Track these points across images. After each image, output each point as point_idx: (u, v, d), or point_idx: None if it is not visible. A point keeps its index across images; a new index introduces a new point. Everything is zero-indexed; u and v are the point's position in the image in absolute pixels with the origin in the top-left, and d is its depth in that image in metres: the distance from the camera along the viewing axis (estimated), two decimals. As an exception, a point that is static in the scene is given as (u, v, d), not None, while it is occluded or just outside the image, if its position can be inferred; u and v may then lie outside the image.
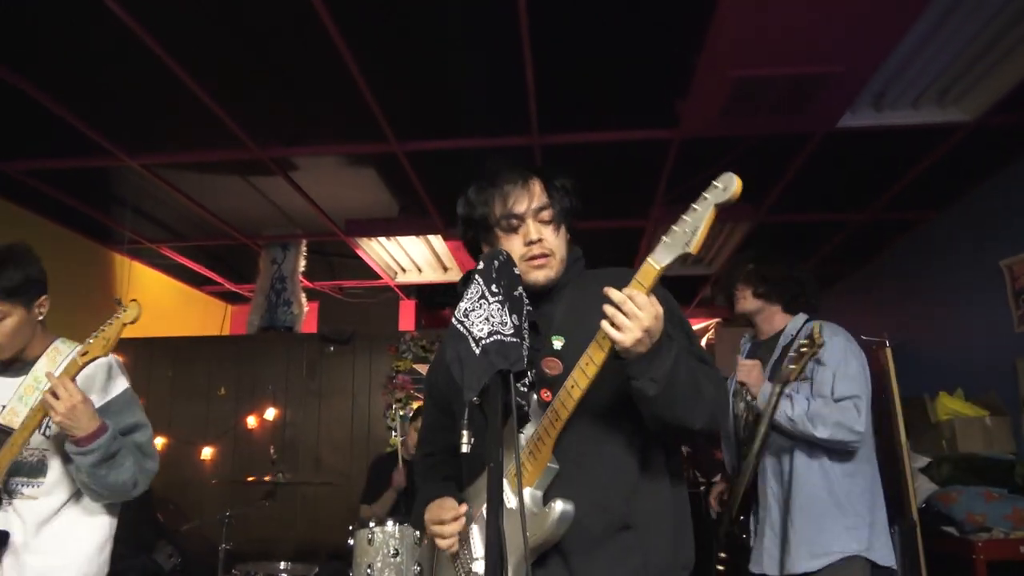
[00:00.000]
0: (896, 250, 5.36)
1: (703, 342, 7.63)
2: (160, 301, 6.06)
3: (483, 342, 1.28)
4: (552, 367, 1.50)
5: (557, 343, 1.53)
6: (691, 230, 1.29)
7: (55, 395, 1.79)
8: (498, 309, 1.33)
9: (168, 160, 4.09)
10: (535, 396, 1.47)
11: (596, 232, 5.02)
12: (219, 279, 6.42)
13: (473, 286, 1.37)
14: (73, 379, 1.83)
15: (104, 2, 2.64)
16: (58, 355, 2.04)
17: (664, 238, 1.32)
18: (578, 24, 2.86)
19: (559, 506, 1.36)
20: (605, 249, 5.52)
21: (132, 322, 1.87)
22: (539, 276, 1.54)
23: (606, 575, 1.42)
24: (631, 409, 1.44)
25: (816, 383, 2.48)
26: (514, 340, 1.30)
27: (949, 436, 3.99)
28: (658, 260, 1.31)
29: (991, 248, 4.08)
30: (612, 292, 1.30)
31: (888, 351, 3.96)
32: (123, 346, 2.02)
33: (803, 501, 2.34)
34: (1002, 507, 3.50)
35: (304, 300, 5.66)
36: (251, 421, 5.12)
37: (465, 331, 1.32)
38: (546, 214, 1.56)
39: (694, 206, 1.30)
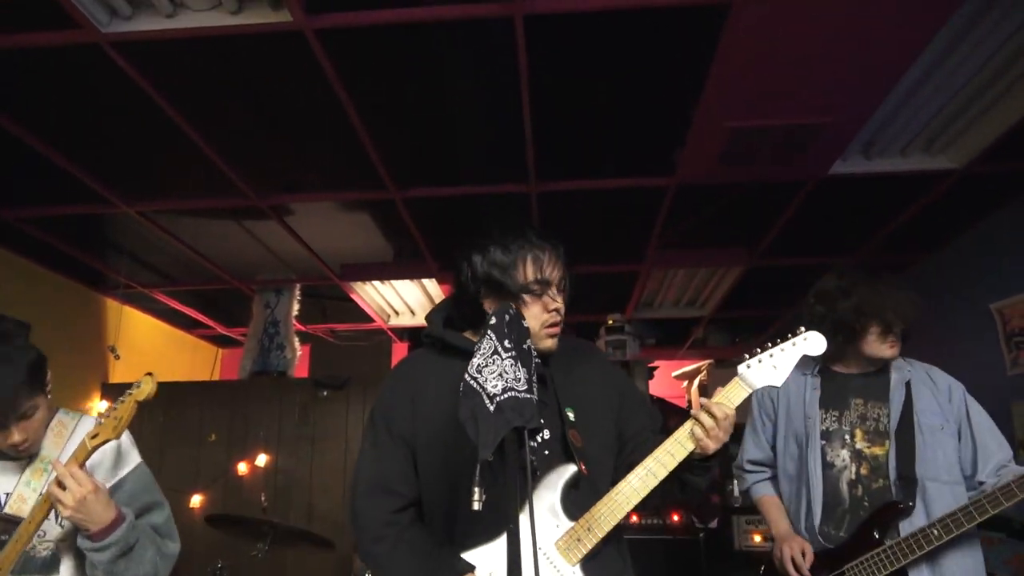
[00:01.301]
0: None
1: (695, 383, 7.64)
2: (151, 345, 6.01)
3: (497, 399, 1.28)
4: (576, 439, 1.56)
5: (571, 414, 1.59)
6: (780, 368, 1.51)
7: (62, 486, 1.62)
8: (511, 365, 1.33)
9: (164, 207, 4.10)
10: (573, 467, 1.53)
11: (591, 276, 5.05)
12: (210, 322, 6.38)
13: (486, 342, 1.37)
14: (82, 465, 1.66)
15: (104, 51, 2.66)
16: (64, 429, 1.86)
17: (749, 364, 1.52)
18: (576, 74, 2.92)
19: None
20: (600, 292, 5.54)
21: (147, 400, 1.69)
22: (551, 344, 1.61)
23: None
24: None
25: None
26: (528, 396, 1.30)
27: (947, 480, 3.98)
28: (751, 383, 1.52)
29: (981, 292, 4.13)
30: (718, 408, 1.48)
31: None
32: (111, 391, 1.91)
33: (964, 570, 2.01)
34: (1002, 552, 3.50)
35: (297, 344, 5.63)
36: (242, 468, 5.04)
37: (479, 387, 1.31)
38: (563, 286, 1.64)
39: (782, 348, 1.53)
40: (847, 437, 2.17)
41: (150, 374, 1.71)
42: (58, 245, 4.51)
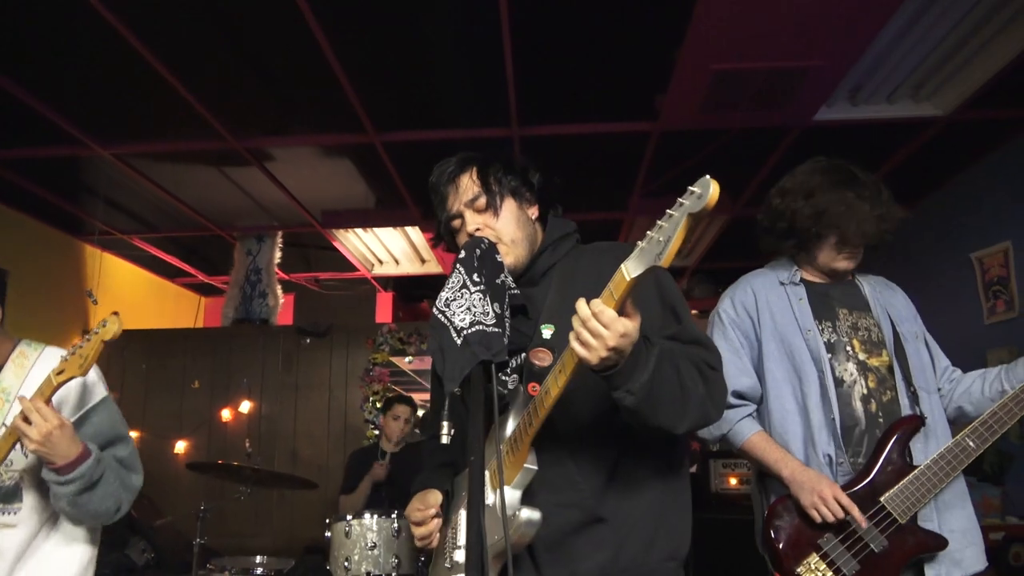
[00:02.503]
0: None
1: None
2: (132, 293, 5.97)
3: (465, 332, 1.27)
4: (542, 358, 1.44)
5: (547, 332, 1.48)
6: (664, 239, 1.14)
7: (28, 420, 1.61)
8: (480, 299, 1.31)
9: (141, 150, 4.02)
10: (522, 389, 1.44)
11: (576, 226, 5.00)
12: (192, 271, 6.33)
13: (455, 275, 1.36)
14: (48, 401, 1.66)
15: (75, -13, 2.58)
16: (25, 360, 1.86)
17: (640, 243, 1.19)
18: (558, 16, 2.85)
19: (524, 513, 1.34)
20: (584, 241, 5.52)
21: (112, 339, 1.67)
22: (510, 262, 1.51)
23: (572, 570, 1.41)
24: (605, 407, 1.40)
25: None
26: (496, 330, 1.28)
27: (921, 426, 4.05)
28: (630, 270, 1.18)
29: (962, 241, 4.15)
30: (580, 306, 1.22)
31: (862, 343, 4.01)
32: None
33: (959, 488, 1.89)
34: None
35: (280, 292, 5.60)
36: (226, 414, 5.06)
37: (446, 321, 1.30)
38: (480, 203, 1.54)
39: (669, 212, 1.15)
40: (848, 349, 1.93)
41: (116, 313, 1.69)
42: (33, 189, 4.42)
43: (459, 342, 1.27)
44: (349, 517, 3.20)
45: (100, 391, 1.88)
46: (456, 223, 1.56)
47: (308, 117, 3.72)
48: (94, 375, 1.85)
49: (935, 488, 1.76)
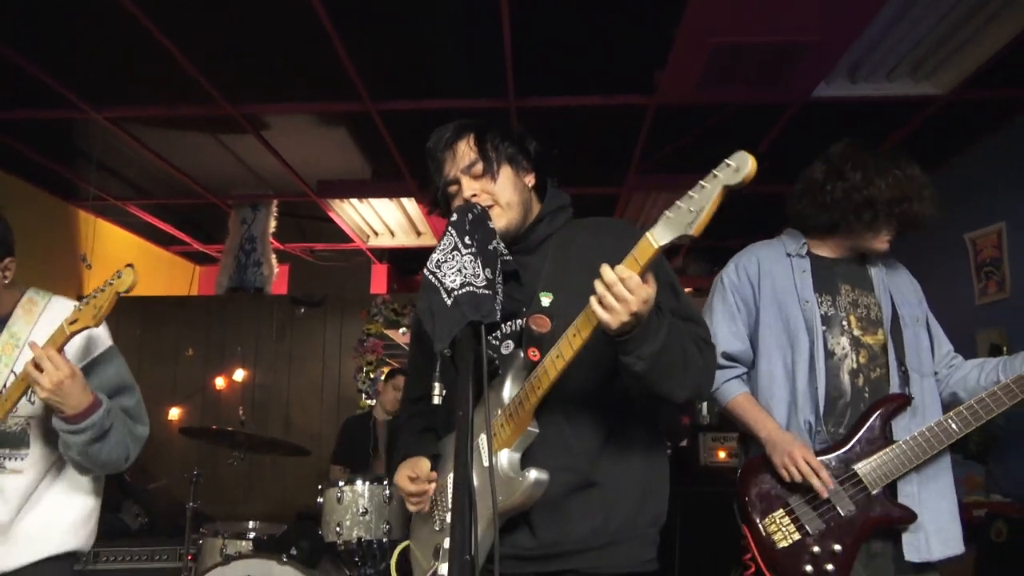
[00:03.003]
0: (865, 223, 5.43)
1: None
2: (126, 260, 5.89)
3: (455, 293, 1.28)
4: (540, 324, 1.48)
5: (545, 300, 1.51)
6: (696, 209, 1.18)
7: (40, 368, 1.61)
8: (471, 261, 1.32)
9: (135, 114, 3.99)
10: (521, 354, 1.46)
11: (571, 199, 4.99)
12: (187, 239, 6.31)
13: (446, 238, 1.36)
14: (60, 350, 1.66)
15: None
16: (34, 307, 1.87)
17: (667, 213, 1.22)
18: (557, -16, 2.83)
19: (533, 474, 1.37)
20: (579, 216, 5.51)
21: (127, 291, 1.65)
22: (500, 225, 1.50)
23: (566, 532, 1.45)
24: (604, 374, 1.46)
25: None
26: (486, 292, 1.29)
27: (908, 405, 4.09)
28: (657, 238, 1.22)
29: (957, 221, 4.15)
30: (605, 271, 1.25)
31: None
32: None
33: (942, 471, 1.94)
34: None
35: (274, 261, 5.59)
36: (219, 382, 5.08)
37: (437, 282, 1.31)
38: (477, 168, 1.54)
39: (702, 183, 1.19)
40: (844, 324, 1.97)
41: (130, 265, 1.67)
42: (25, 152, 4.39)
43: (449, 303, 1.28)
44: (341, 483, 3.23)
45: (106, 341, 1.89)
46: (453, 189, 1.56)
47: (304, 84, 3.69)
48: (101, 326, 1.86)
49: (910, 464, 1.81)
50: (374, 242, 6.36)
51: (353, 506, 3.16)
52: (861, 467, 1.83)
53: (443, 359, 1.31)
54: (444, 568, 1.45)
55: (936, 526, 1.85)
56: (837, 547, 1.81)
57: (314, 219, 5.85)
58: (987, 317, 3.86)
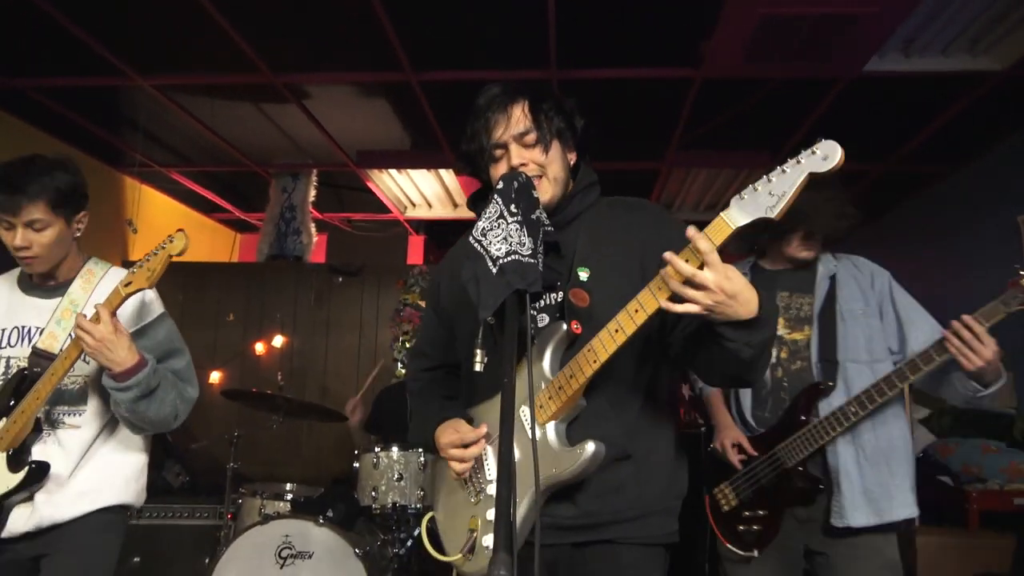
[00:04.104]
0: (914, 204, 5.30)
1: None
2: (170, 226, 5.94)
3: (500, 261, 1.28)
4: (580, 299, 1.50)
5: (583, 275, 1.52)
6: (778, 194, 1.19)
7: (86, 326, 1.72)
8: (516, 229, 1.32)
9: (180, 82, 4.04)
10: (564, 326, 1.47)
11: (609, 173, 4.94)
12: (228, 206, 6.40)
13: (492, 206, 1.36)
14: (115, 311, 1.76)
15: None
16: (92, 277, 1.98)
17: (743, 195, 1.23)
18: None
19: (591, 446, 1.39)
20: (619, 191, 5.46)
21: (179, 254, 1.75)
22: (545, 200, 1.51)
23: (606, 503, 1.48)
24: (642, 350, 1.49)
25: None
26: (531, 261, 1.29)
27: (952, 389, 4.01)
28: (734, 219, 1.23)
29: (1010, 203, 4.03)
30: (679, 266, 1.24)
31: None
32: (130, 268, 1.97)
33: (887, 448, 2.12)
34: (999, 460, 3.55)
35: (313, 230, 5.65)
36: (259, 348, 5.17)
37: (483, 250, 1.31)
38: (530, 138, 1.53)
39: (784, 168, 1.20)
40: None
41: (181, 230, 1.76)
42: (74, 118, 4.47)
43: (494, 271, 1.28)
44: (377, 449, 3.28)
45: (157, 308, 2.01)
46: (499, 153, 1.55)
47: (346, 54, 3.69)
48: (152, 294, 1.98)
49: (819, 442, 2.09)
50: (411, 213, 6.39)
51: (389, 471, 3.22)
52: (779, 446, 2.15)
53: (486, 326, 1.32)
54: (488, 539, 1.47)
55: (866, 498, 2.07)
56: (762, 512, 2.18)
57: (353, 189, 5.88)
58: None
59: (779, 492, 2.16)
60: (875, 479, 2.08)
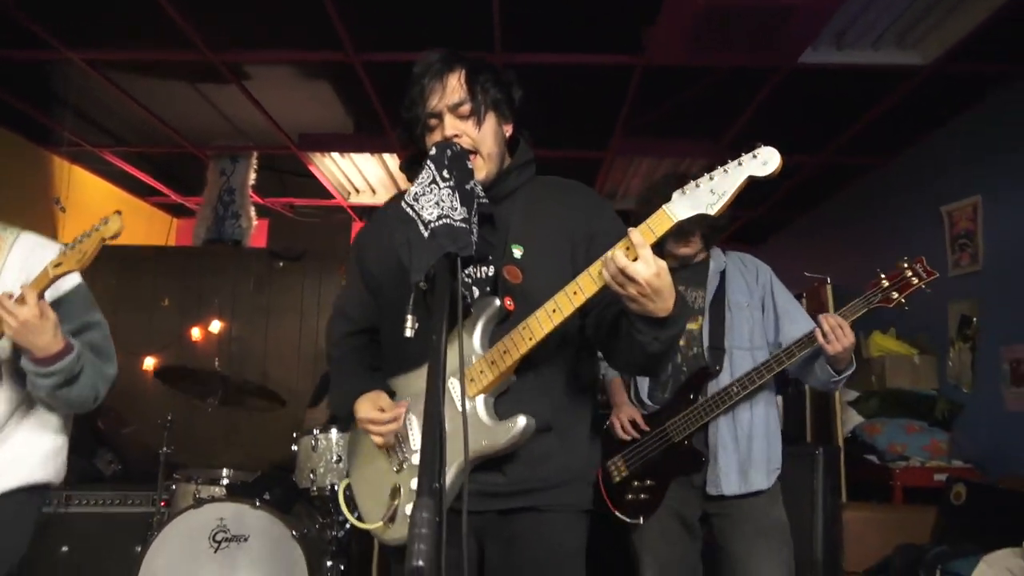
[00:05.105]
0: (844, 195, 5.48)
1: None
2: (102, 209, 5.79)
3: (432, 225, 1.28)
4: (513, 276, 1.51)
5: (517, 252, 1.54)
6: (719, 192, 1.26)
7: (7, 309, 1.61)
8: (448, 195, 1.32)
9: (112, 57, 3.90)
10: (497, 302, 1.49)
11: (552, 161, 4.98)
12: (165, 189, 6.22)
13: (424, 171, 1.36)
14: (42, 293, 1.66)
15: None
16: (3, 243, 1.85)
17: (684, 190, 1.30)
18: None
19: (522, 420, 1.42)
20: (562, 175, 5.50)
21: (113, 237, 1.66)
22: (479, 176, 1.51)
23: (533, 471, 1.51)
24: (570, 329, 1.53)
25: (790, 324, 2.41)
26: (463, 226, 1.29)
27: (879, 372, 4.18)
28: (675, 213, 1.30)
29: (935, 194, 4.20)
30: (616, 257, 1.28)
31: (829, 288, 4.10)
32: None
33: (759, 426, 2.35)
34: (921, 439, 3.72)
35: (253, 214, 5.53)
36: (196, 333, 5.05)
37: (414, 214, 1.31)
38: (464, 109, 1.53)
39: (725, 168, 1.27)
40: None
41: (118, 212, 1.68)
42: (-2, 93, 4.29)
43: (426, 234, 1.28)
44: (316, 431, 3.25)
45: (75, 277, 1.87)
46: (433, 122, 1.55)
47: (287, 33, 3.62)
48: None
49: (703, 419, 2.27)
50: (355, 199, 6.31)
51: (327, 453, 3.19)
52: (669, 423, 2.31)
53: (417, 292, 1.31)
54: (409, 507, 1.47)
55: (737, 468, 2.29)
56: (650, 482, 2.33)
57: (295, 174, 5.78)
58: (959, 289, 3.92)
59: (666, 464, 2.33)
60: (746, 453, 2.31)
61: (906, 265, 2.18)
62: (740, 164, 1.26)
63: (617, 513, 2.36)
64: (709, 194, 1.27)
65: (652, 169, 5.45)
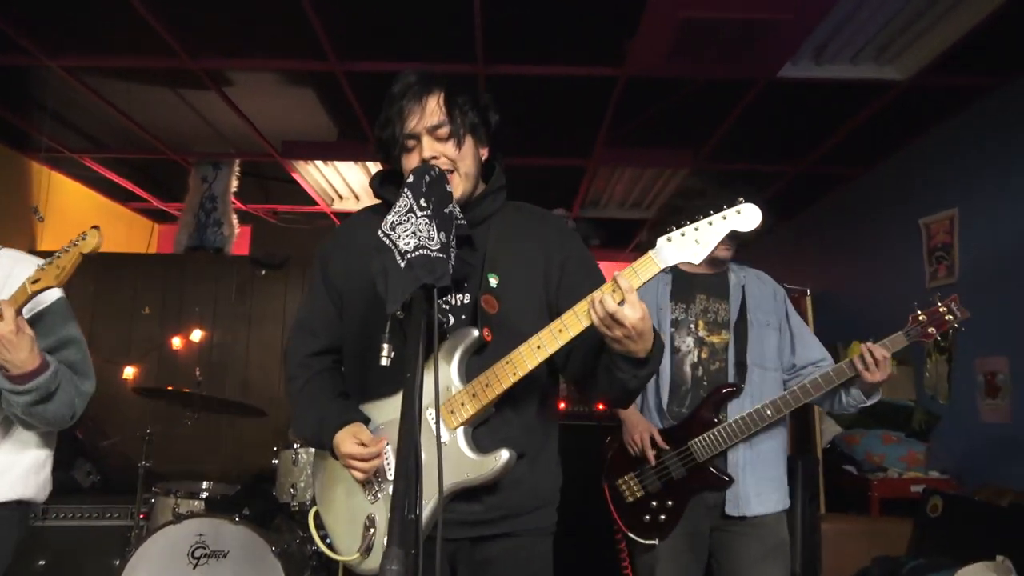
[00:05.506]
0: (823, 205, 5.52)
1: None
2: (82, 215, 5.79)
3: (408, 256, 1.28)
4: (490, 305, 1.53)
5: (493, 281, 1.55)
6: (703, 243, 1.37)
7: None
8: (425, 224, 1.32)
9: (92, 63, 3.86)
10: (475, 332, 1.50)
11: (537, 170, 5.00)
12: (146, 195, 6.16)
13: (402, 199, 1.36)
14: (20, 309, 1.65)
15: None
16: None
17: (670, 237, 1.39)
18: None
19: (505, 455, 1.44)
20: (546, 187, 5.52)
21: (92, 252, 1.66)
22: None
23: (508, 498, 1.53)
24: (544, 360, 1.52)
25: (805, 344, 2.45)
26: (440, 256, 1.29)
27: (857, 382, 4.21)
28: (663, 259, 1.39)
29: (913, 206, 4.25)
30: (605, 302, 1.35)
31: (808, 299, 4.13)
32: (44, 259, 1.88)
33: (777, 446, 2.37)
34: (898, 449, 3.75)
35: (235, 221, 5.50)
36: (176, 342, 5.01)
37: (391, 244, 1.31)
38: (443, 131, 1.54)
39: (710, 221, 1.38)
40: (692, 326, 2.38)
41: (96, 227, 1.68)
42: (-26, 99, 4.24)
43: (402, 265, 1.28)
44: (296, 446, 3.23)
45: (55, 292, 1.85)
46: (411, 143, 1.55)
47: (270, 41, 3.61)
48: None
49: (732, 440, 2.24)
50: (338, 206, 6.29)
51: (308, 468, 3.17)
52: (693, 442, 2.26)
53: (393, 320, 1.32)
54: (386, 539, 1.46)
55: (756, 489, 2.28)
56: (670, 502, 2.29)
57: (278, 180, 5.75)
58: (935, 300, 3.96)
59: (688, 484, 2.28)
60: (764, 475, 2.31)
61: (940, 304, 2.26)
62: (724, 219, 1.37)
63: (630, 534, 2.31)
64: (694, 244, 1.37)
65: (635, 178, 5.47)
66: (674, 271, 2.45)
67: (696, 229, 1.38)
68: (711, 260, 2.32)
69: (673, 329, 2.38)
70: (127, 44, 3.63)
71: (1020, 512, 2.91)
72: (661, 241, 1.39)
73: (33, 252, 5.07)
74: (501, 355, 1.47)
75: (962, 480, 3.60)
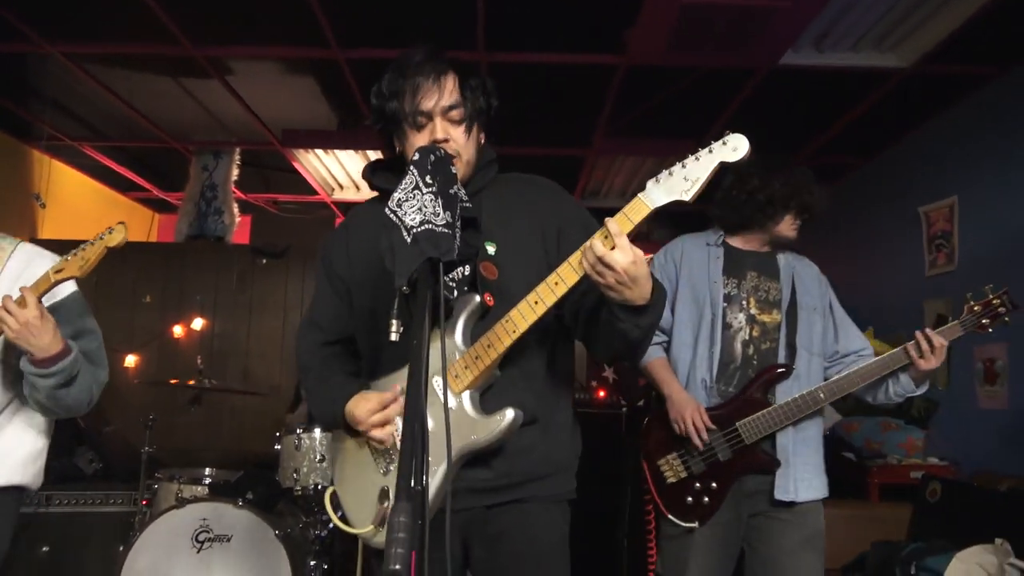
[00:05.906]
0: (828, 192, 5.52)
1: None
2: (82, 204, 5.79)
3: (414, 231, 1.29)
4: (490, 272, 1.54)
5: (490, 248, 1.57)
6: (692, 179, 1.31)
7: (7, 308, 1.65)
8: (431, 200, 1.33)
9: (92, 51, 3.86)
10: (477, 298, 1.51)
11: (536, 159, 5.01)
12: (146, 184, 6.17)
13: (408, 177, 1.37)
14: (41, 296, 1.69)
15: None
16: (2, 253, 1.88)
17: (658, 178, 1.34)
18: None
19: (510, 413, 1.44)
20: (546, 176, 5.51)
21: (117, 246, 1.71)
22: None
23: (517, 464, 1.53)
24: (550, 319, 1.53)
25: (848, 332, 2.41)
26: (445, 231, 1.30)
27: (857, 370, 4.23)
28: (652, 200, 1.34)
29: (913, 195, 4.26)
30: (595, 246, 1.32)
31: (808, 287, 4.14)
32: (45, 248, 1.91)
33: (819, 431, 2.33)
34: (897, 436, 3.77)
35: (236, 210, 5.50)
36: (177, 330, 5.03)
37: (397, 220, 1.32)
38: (456, 113, 1.54)
39: (697, 156, 1.31)
40: (743, 303, 2.33)
41: (122, 222, 1.74)
42: (-26, 86, 4.24)
43: (408, 240, 1.29)
44: (299, 431, 3.24)
45: (70, 284, 1.90)
46: (423, 120, 1.54)
47: (271, 28, 3.61)
48: None
49: (782, 423, 2.19)
50: (339, 195, 6.29)
51: (311, 452, 3.18)
52: (742, 423, 2.21)
53: (400, 296, 1.32)
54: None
55: (803, 474, 2.22)
56: (714, 485, 2.21)
57: (278, 170, 5.75)
58: (935, 288, 3.98)
59: (733, 467, 2.22)
60: (810, 460, 2.26)
61: (992, 296, 2.21)
62: (711, 151, 1.31)
63: (670, 516, 2.25)
64: (683, 181, 1.31)
65: (635, 168, 5.47)
66: (725, 247, 2.40)
67: (683, 166, 1.32)
68: (775, 240, 2.37)
69: (725, 304, 2.32)
70: (128, 31, 3.63)
71: (1018, 497, 2.93)
72: (650, 183, 1.35)
73: (34, 240, 5.09)
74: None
75: (960, 466, 3.62)
